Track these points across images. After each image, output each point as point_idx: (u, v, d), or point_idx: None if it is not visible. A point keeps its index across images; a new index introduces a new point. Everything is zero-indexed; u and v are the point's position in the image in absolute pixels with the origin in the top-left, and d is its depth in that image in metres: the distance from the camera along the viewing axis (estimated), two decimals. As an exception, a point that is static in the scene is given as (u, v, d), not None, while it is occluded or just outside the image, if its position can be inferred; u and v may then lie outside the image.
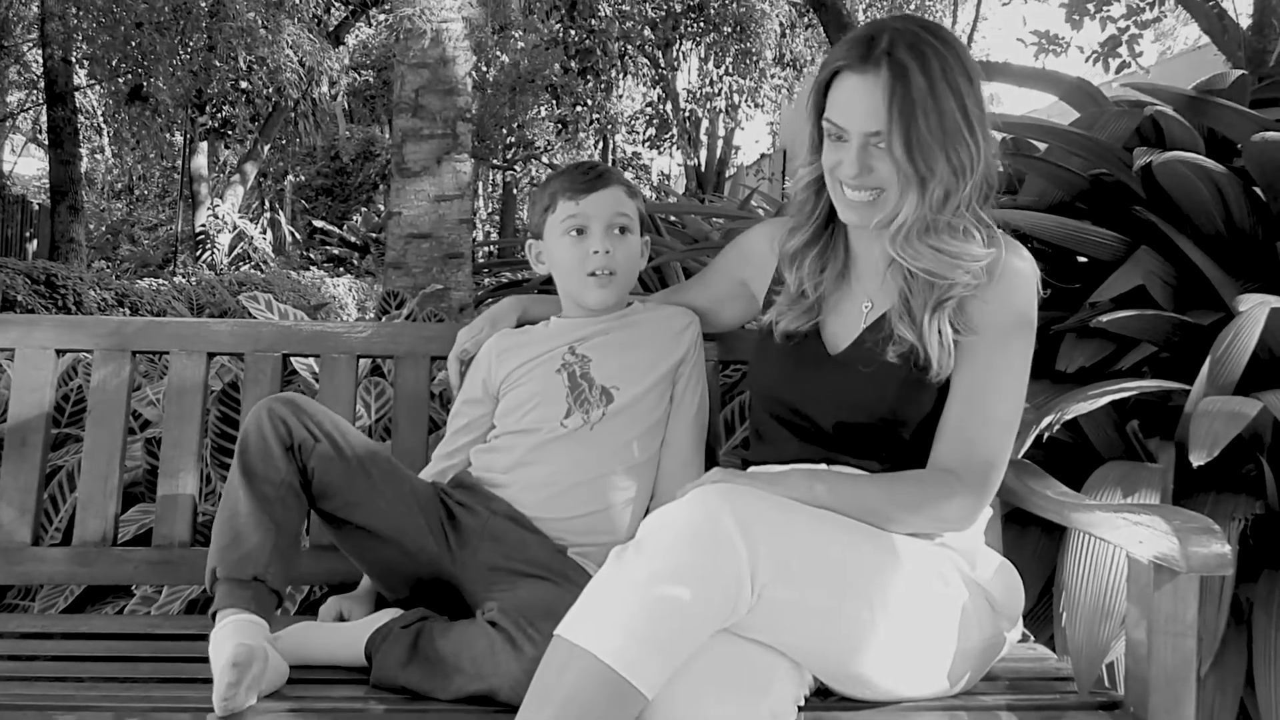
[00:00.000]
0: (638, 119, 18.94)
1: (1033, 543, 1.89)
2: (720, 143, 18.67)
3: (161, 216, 19.68)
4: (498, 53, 14.41)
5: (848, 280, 1.54)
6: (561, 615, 1.18)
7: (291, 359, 2.27)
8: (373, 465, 1.52)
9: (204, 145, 15.15)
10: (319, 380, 1.87)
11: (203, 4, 10.82)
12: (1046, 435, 1.73)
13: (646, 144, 18.47)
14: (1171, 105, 2.31)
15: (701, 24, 15.33)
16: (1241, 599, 1.74)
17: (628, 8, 14.88)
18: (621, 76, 16.51)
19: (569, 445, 1.59)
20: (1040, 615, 1.88)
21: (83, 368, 2.51)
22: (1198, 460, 1.55)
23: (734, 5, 14.91)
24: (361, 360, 1.98)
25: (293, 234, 18.67)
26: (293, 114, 15.02)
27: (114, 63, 11.54)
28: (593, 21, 14.72)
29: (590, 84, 15.75)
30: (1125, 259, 2.09)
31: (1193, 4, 4.20)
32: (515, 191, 19.77)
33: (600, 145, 19.17)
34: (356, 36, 18.03)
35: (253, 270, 13.77)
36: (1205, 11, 4.07)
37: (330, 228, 18.74)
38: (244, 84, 12.62)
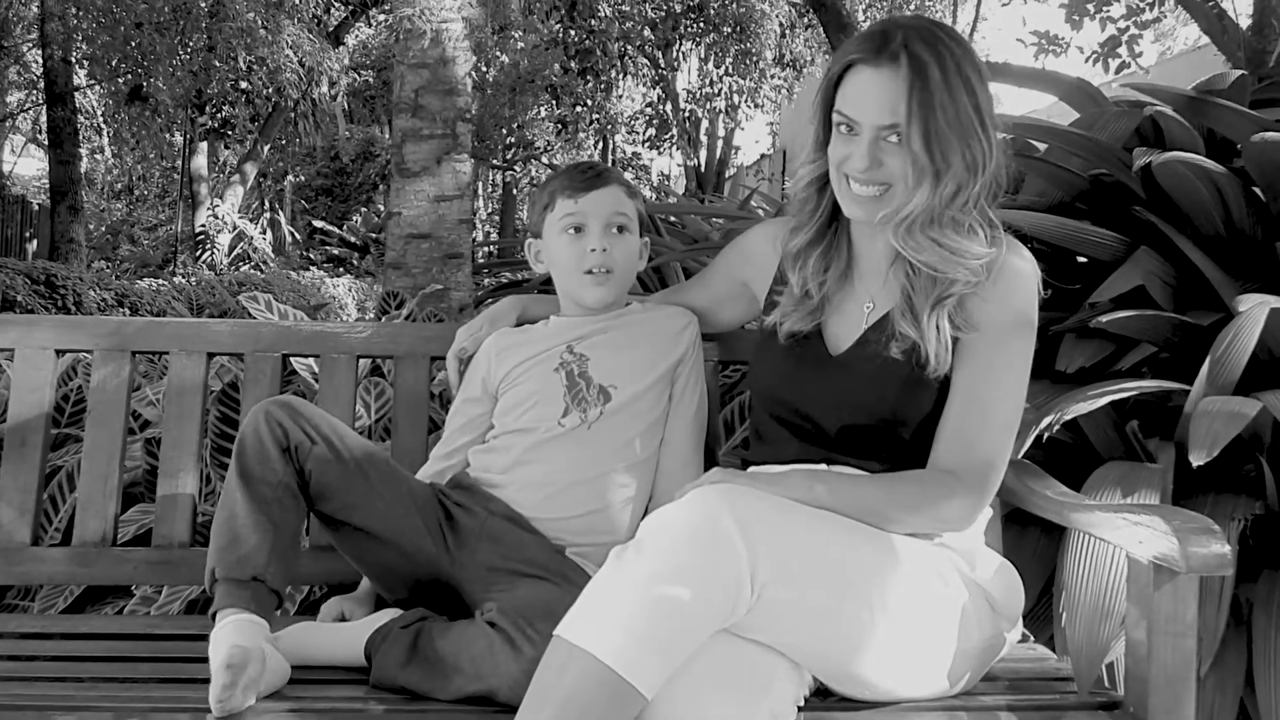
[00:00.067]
0: (637, 119, 18.94)
1: (1032, 543, 1.89)
2: (720, 143, 18.67)
3: (161, 217, 19.67)
4: (497, 53, 14.41)
5: (850, 280, 1.54)
6: (560, 615, 1.18)
7: (291, 359, 2.27)
8: (370, 467, 1.52)
9: (204, 145, 15.15)
10: (319, 380, 1.87)
11: (202, 4, 10.82)
12: (1046, 435, 1.73)
13: (646, 144, 18.47)
14: (1171, 105, 2.31)
15: (701, 24, 15.33)
16: (1241, 599, 1.74)
17: (627, 8, 14.88)
18: (621, 77, 16.51)
19: (567, 444, 1.59)
20: (1040, 615, 1.88)
21: (82, 368, 2.51)
22: (1197, 460, 1.55)
23: (734, 5, 14.91)
24: (361, 360, 1.98)
25: (292, 234, 18.67)
26: (292, 114, 15.03)
27: (114, 63, 11.54)
28: (592, 22, 14.72)
29: (590, 84, 15.75)
30: (1125, 259, 2.09)
31: (1192, 4, 4.20)
32: (515, 192, 19.78)
33: (600, 145, 19.17)
34: (356, 37, 18.04)
35: (252, 270, 13.77)
36: (1205, 12, 4.07)
37: (330, 228, 18.75)
38: (244, 84, 12.62)
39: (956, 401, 1.40)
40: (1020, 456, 1.64)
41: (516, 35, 14.46)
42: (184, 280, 10.66)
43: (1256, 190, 2.15)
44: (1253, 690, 1.67)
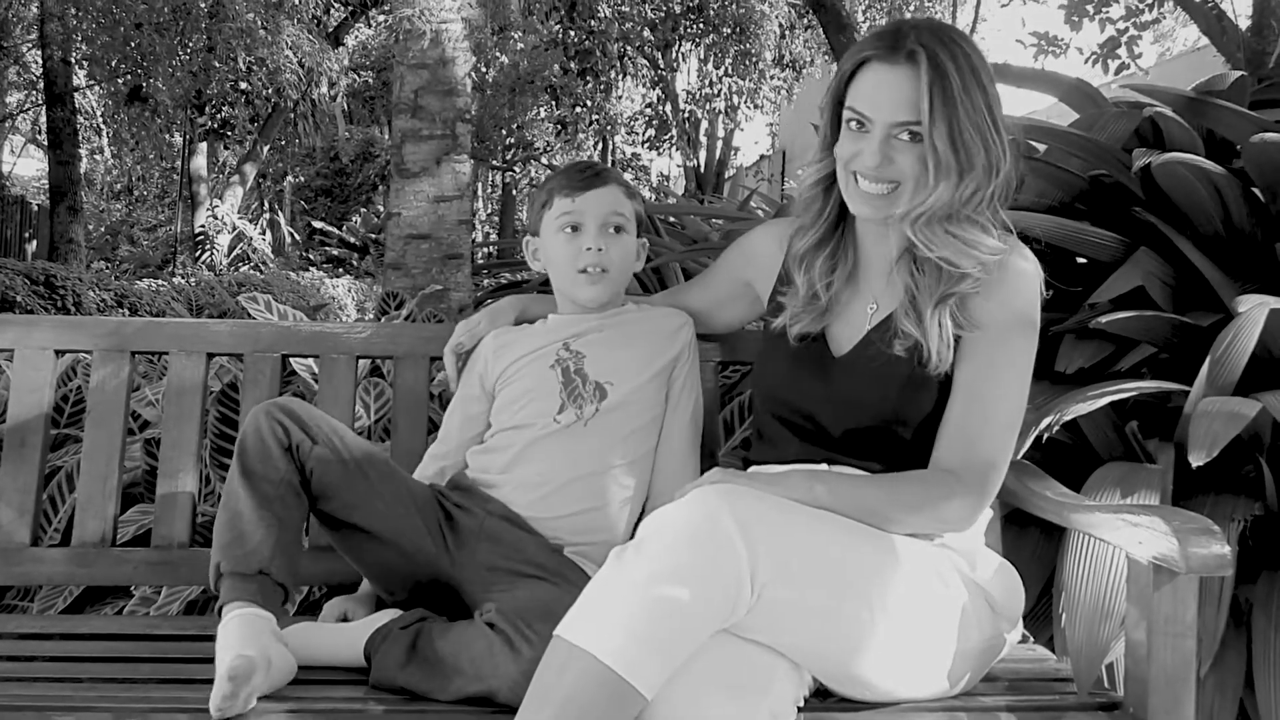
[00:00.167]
0: (637, 120, 18.94)
1: (1032, 544, 1.89)
2: (719, 144, 18.67)
3: (161, 217, 19.66)
4: (497, 53, 14.40)
5: (856, 281, 1.54)
6: (559, 616, 1.18)
7: (291, 359, 2.27)
8: (370, 467, 1.52)
9: (203, 146, 15.14)
10: (318, 381, 1.87)
11: (202, 5, 10.81)
12: (1046, 436, 1.73)
13: (646, 145, 18.47)
14: (1171, 106, 2.31)
15: (701, 25, 15.33)
16: (1241, 600, 1.74)
17: (627, 9, 14.87)
18: (621, 77, 16.50)
19: (563, 441, 1.59)
20: (1040, 616, 1.88)
21: (82, 368, 2.51)
22: (1197, 461, 1.55)
23: (733, 6, 14.91)
24: (361, 361, 1.98)
25: (292, 235, 18.66)
26: (292, 115, 15.02)
27: (113, 63, 11.54)
28: (592, 22, 14.71)
29: (589, 85, 15.74)
30: (1124, 260, 2.09)
31: (1192, 5, 4.20)
32: (515, 192, 19.78)
33: (599, 146, 19.17)
34: (356, 37, 18.03)
35: (252, 271, 13.76)
36: (1204, 13, 4.07)
37: (329, 228, 18.74)
38: (243, 85, 12.61)
39: (958, 400, 1.41)
40: (1020, 457, 1.64)
41: (516, 36, 14.46)
42: (183, 281, 10.66)
43: (1256, 191, 2.15)
44: (1252, 691, 1.67)
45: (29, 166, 24.73)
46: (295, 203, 20.40)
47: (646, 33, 15.35)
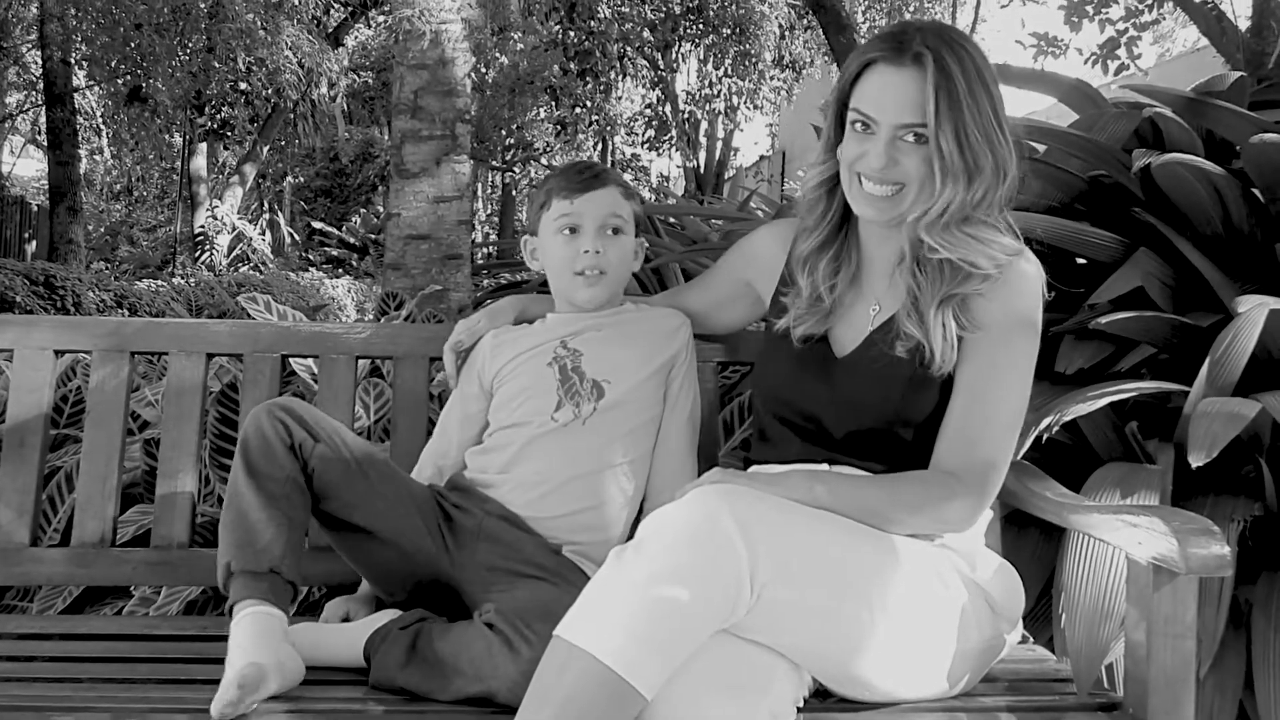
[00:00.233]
0: (637, 120, 18.93)
1: (1032, 544, 1.89)
2: (719, 144, 18.67)
3: (160, 218, 19.65)
4: (497, 54, 14.39)
5: (859, 283, 1.54)
6: (558, 616, 1.18)
7: (290, 360, 2.27)
8: (370, 467, 1.52)
9: (203, 146, 15.14)
10: (318, 381, 1.87)
11: (202, 5, 10.81)
12: (1045, 436, 1.73)
13: (645, 145, 18.47)
14: (1170, 107, 2.31)
15: (700, 26, 15.33)
16: (1240, 601, 1.74)
17: (627, 9, 14.87)
18: (620, 78, 16.50)
19: (561, 439, 1.59)
20: (1039, 617, 1.88)
21: (81, 369, 2.51)
22: (1196, 461, 1.55)
23: (733, 7, 14.91)
24: (360, 361, 1.98)
25: (291, 235, 18.66)
26: (292, 115, 15.02)
27: (113, 64, 11.53)
28: (592, 23, 14.71)
29: (589, 85, 15.74)
30: (1124, 260, 2.08)
31: (1191, 6, 4.20)
32: (514, 193, 19.78)
33: (599, 147, 19.17)
34: (356, 38, 18.03)
35: (251, 271, 13.76)
36: (1204, 14, 4.07)
37: (329, 229, 18.74)
38: (243, 85, 12.61)
39: (959, 399, 1.41)
40: (1019, 458, 1.64)
41: (516, 36, 14.45)
42: (183, 281, 10.66)
43: (1255, 191, 2.15)
44: (1252, 692, 1.67)
45: (29, 167, 24.72)
46: (295, 203, 20.41)
47: (646, 33, 15.35)
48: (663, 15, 15.04)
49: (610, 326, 1.68)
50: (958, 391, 1.41)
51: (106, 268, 14.54)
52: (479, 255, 15.73)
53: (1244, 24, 3.80)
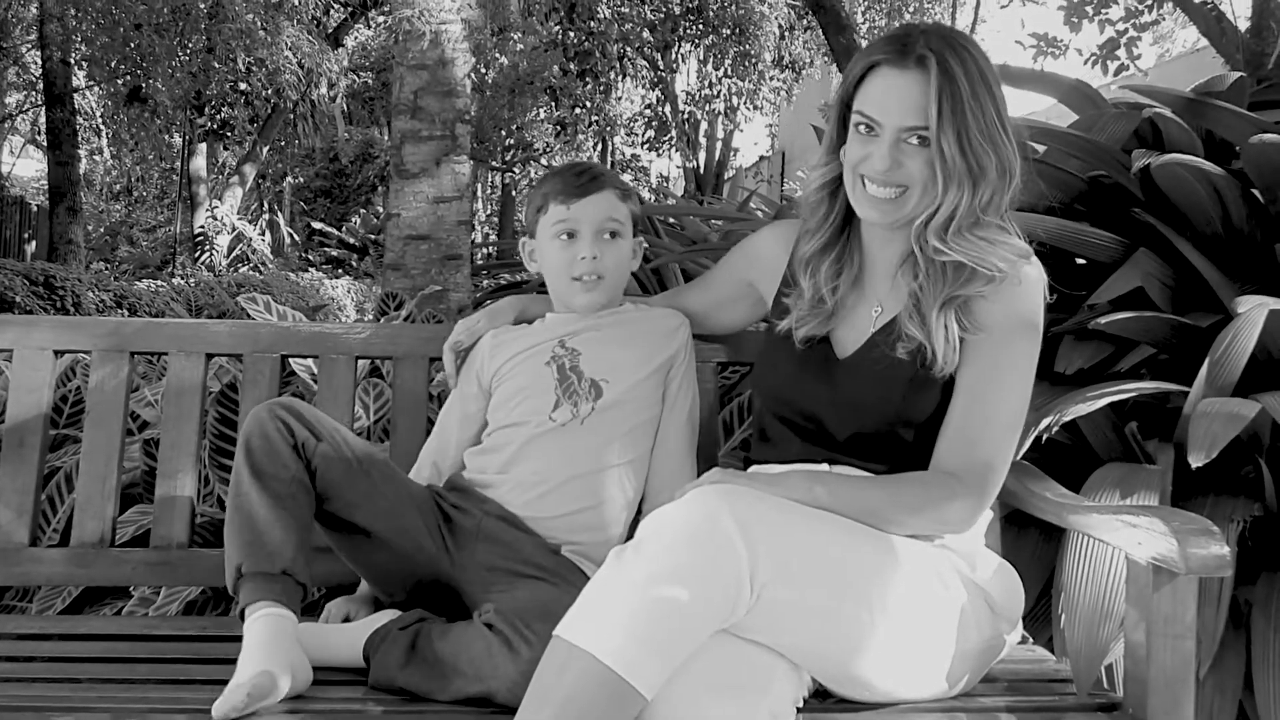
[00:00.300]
0: (636, 121, 18.93)
1: (1032, 544, 1.89)
2: (719, 145, 18.67)
3: (160, 218, 19.65)
4: (496, 54, 14.39)
5: (861, 285, 1.54)
6: (557, 616, 1.18)
7: (290, 360, 2.27)
8: (372, 466, 1.52)
9: (203, 147, 15.14)
10: (317, 381, 1.87)
11: (202, 5, 10.81)
12: (1045, 437, 1.73)
13: (645, 146, 18.47)
14: (1170, 107, 2.31)
15: (700, 26, 15.33)
16: (1240, 601, 1.74)
17: (626, 10, 14.88)
18: (620, 78, 16.49)
19: (559, 439, 1.59)
20: (1039, 617, 1.88)
21: (81, 369, 2.51)
22: (1196, 462, 1.55)
23: (733, 7, 14.91)
24: (360, 361, 1.98)
25: (291, 236, 18.66)
26: (291, 116, 15.02)
27: (113, 64, 11.53)
28: (591, 24, 14.71)
29: (589, 86, 15.73)
30: (1124, 261, 2.08)
31: (1191, 7, 4.20)
32: (514, 193, 19.77)
33: (599, 147, 19.17)
34: (355, 38, 18.03)
35: (251, 272, 13.76)
36: (1203, 14, 4.07)
37: (329, 229, 18.74)
38: (243, 85, 12.61)
39: (960, 400, 1.41)
40: (1019, 458, 1.64)
41: (515, 37, 14.45)
42: (183, 281, 10.66)
43: (1255, 192, 2.15)
44: (1251, 692, 1.67)
45: (28, 167, 24.72)
46: (294, 203, 20.41)
47: (646, 34, 15.36)
48: (662, 16, 15.04)
49: (609, 326, 1.68)
50: (959, 392, 1.41)
51: (106, 268, 14.54)
52: (478, 256, 15.73)
53: (1243, 24, 3.80)
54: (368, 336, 1.87)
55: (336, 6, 15.27)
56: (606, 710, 1.11)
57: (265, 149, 15.90)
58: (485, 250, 16.88)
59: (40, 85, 11.85)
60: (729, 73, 15.82)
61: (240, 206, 15.84)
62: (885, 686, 1.30)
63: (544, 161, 18.52)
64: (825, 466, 1.47)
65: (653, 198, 17.33)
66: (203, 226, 14.81)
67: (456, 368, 1.74)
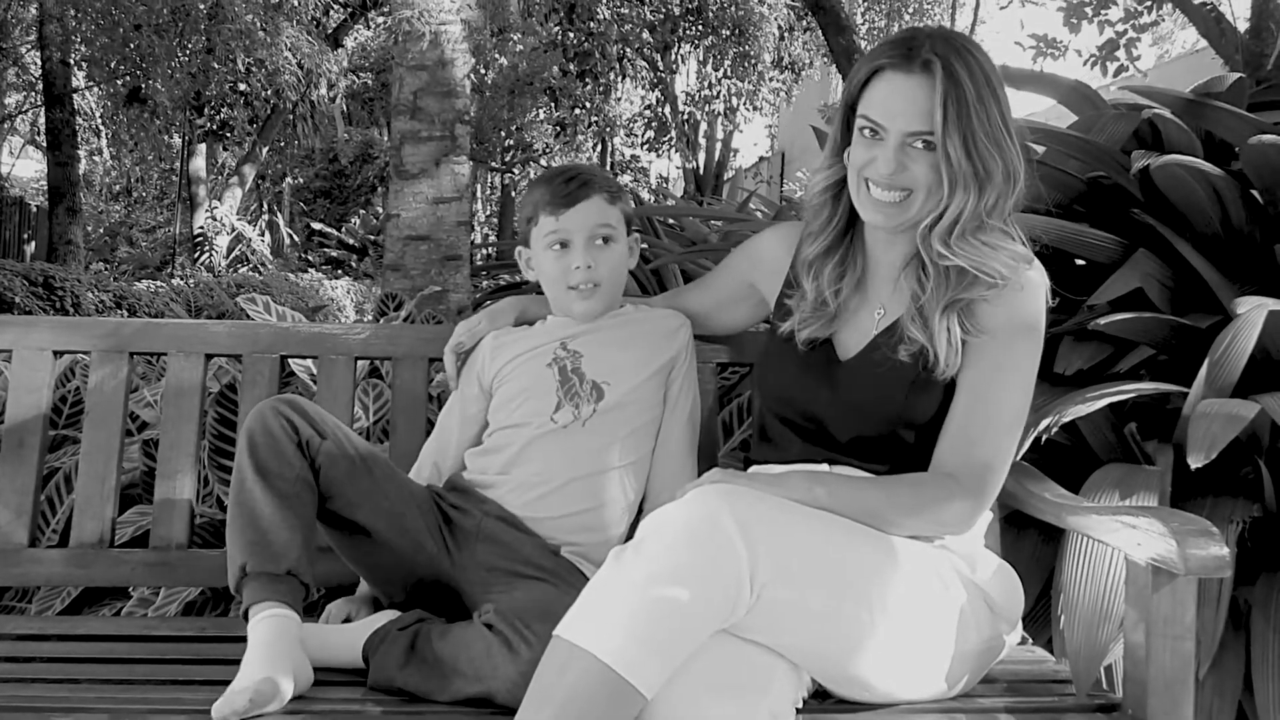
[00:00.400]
0: (636, 122, 18.94)
1: (1031, 545, 1.89)
2: (719, 145, 18.68)
3: (160, 218, 19.65)
4: (496, 55, 14.38)
5: (864, 287, 1.54)
6: (557, 617, 1.18)
7: (289, 360, 2.27)
8: (374, 465, 1.52)
9: (202, 147, 15.14)
10: (317, 382, 1.87)
11: (201, 6, 10.81)
12: (1044, 437, 1.73)
13: (645, 147, 18.47)
14: (1169, 108, 2.31)
15: (700, 27, 15.33)
16: (1239, 602, 1.74)
17: (626, 10, 14.88)
18: (620, 79, 16.50)
19: (561, 441, 1.59)
20: (1039, 618, 1.88)
21: (80, 369, 2.50)
22: (1196, 463, 1.55)
23: (732, 8, 14.92)
24: (360, 362, 1.98)
25: (291, 236, 18.66)
26: (291, 116, 15.02)
27: (112, 65, 11.53)
28: (591, 24, 14.71)
29: (589, 87, 15.74)
30: (1123, 262, 2.09)
31: (1190, 8, 4.21)
32: (514, 194, 19.76)
33: (598, 148, 19.17)
34: (355, 39, 18.02)
35: (251, 272, 13.76)
36: (1203, 15, 4.08)
37: (328, 230, 18.73)
38: (242, 86, 12.61)
39: (962, 400, 1.41)
40: (1018, 459, 1.64)
41: (515, 37, 14.45)
42: (182, 282, 10.66)
43: (1254, 193, 2.15)
44: (1251, 693, 1.67)
45: (28, 167, 24.70)
46: (294, 204, 20.40)
47: (645, 35, 15.36)
48: (662, 17, 15.04)
49: (610, 328, 1.68)
50: (960, 393, 1.42)
51: (105, 268, 14.53)
52: (478, 256, 15.72)
53: (1243, 25, 3.80)
54: (367, 337, 1.87)
55: (336, 7, 15.27)
56: (607, 710, 1.11)
57: (265, 150, 15.90)
58: (485, 251, 16.88)
59: (40, 86, 11.85)
60: (728, 74, 15.83)
61: (240, 207, 15.85)
62: (885, 687, 1.30)
63: (543, 162, 18.52)
64: (825, 467, 1.47)
65: (652, 199, 17.33)
66: (202, 227, 14.81)
67: (457, 369, 1.74)
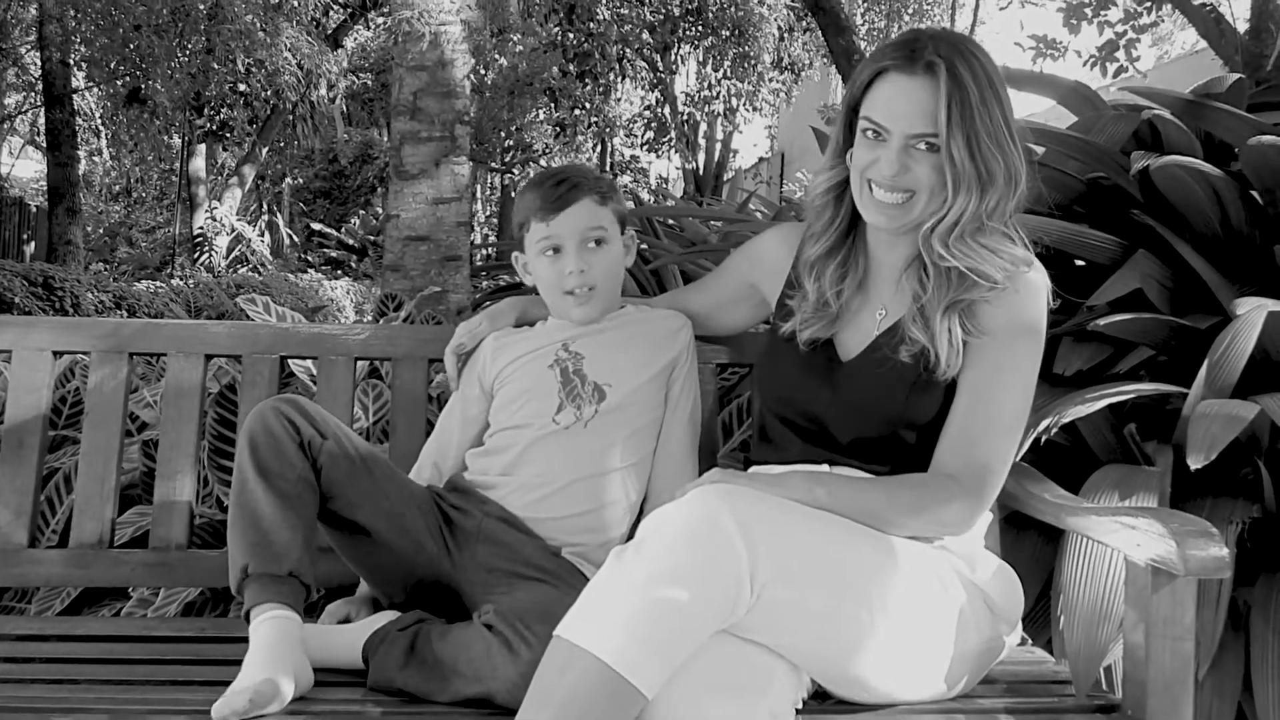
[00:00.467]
0: (636, 122, 18.93)
1: (1031, 546, 1.89)
2: (718, 146, 18.68)
3: (159, 219, 19.64)
4: (496, 55, 14.38)
5: (866, 288, 1.55)
6: (557, 617, 1.18)
7: (289, 361, 2.27)
8: (374, 466, 1.52)
9: (202, 148, 15.13)
10: (316, 382, 1.87)
11: (201, 6, 10.80)
12: (1044, 438, 1.73)
13: (645, 147, 18.46)
14: (1169, 109, 2.31)
15: (700, 28, 15.33)
16: (1239, 603, 1.74)
17: (626, 11, 14.88)
18: (620, 80, 16.49)
19: (563, 442, 1.59)
20: (1038, 618, 1.88)
21: (80, 370, 2.50)
22: (1195, 463, 1.55)
23: (732, 9, 14.91)
24: (359, 362, 1.98)
25: (290, 237, 18.65)
26: (291, 117, 15.01)
27: (112, 65, 11.52)
28: (591, 25, 14.71)
29: (588, 87, 15.73)
30: (1123, 262, 2.09)
31: (1190, 8, 4.21)
32: (513, 194, 19.76)
33: (598, 148, 19.17)
34: (355, 39, 18.02)
35: (250, 273, 13.75)
36: (1202, 16, 4.08)
37: (328, 230, 18.72)
38: (242, 86, 12.60)
39: (962, 401, 1.41)
40: (1018, 459, 1.64)
41: (515, 38, 14.45)
42: (182, 282, 10.65)
43: (1254, 193, 2.15)
44: (1250, 693, 1.67)
45: (27, 168, 24.69)
46: (294, 204, 20.39)
47: (645, 35, 15.36)
48: (662, 17, 15.04)
49: (612, 329, 1.68)
50: (960, 393, 1.42)
51: (105, 269, 14.53)
52: (478, 257, 15.71)
53: (1242, 26, 3.80)
54: (367, 338, 1.87)
55: (336, 7, 15.27)
56: (607, 710, 1.11)
57: (264, 150, 15.89)
58: (484, 251, 16.87)
59: (40, 86, 11.85)
60: (728, 74, 15.82)
61: (239, 207, 15.84)
62: (884, 687, 1.30)
63: (543, 162, 18.52)
64: (826, 468, 1.48)
65: (652, 199, 17.34)
66: (202, 227, 14.80)
67: (458, 370, 1.74)
